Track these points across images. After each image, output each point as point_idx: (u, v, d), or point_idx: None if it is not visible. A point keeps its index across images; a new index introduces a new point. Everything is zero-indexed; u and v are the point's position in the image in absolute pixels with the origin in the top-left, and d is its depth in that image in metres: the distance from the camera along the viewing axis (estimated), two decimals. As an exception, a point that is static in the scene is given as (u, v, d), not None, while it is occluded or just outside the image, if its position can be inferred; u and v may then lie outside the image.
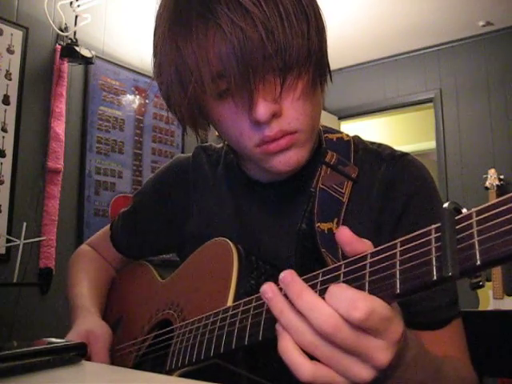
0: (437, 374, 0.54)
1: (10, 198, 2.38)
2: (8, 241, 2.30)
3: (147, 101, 3.09)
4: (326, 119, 4.01)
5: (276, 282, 0.47)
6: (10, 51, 2.44)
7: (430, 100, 3.95)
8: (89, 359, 0.75)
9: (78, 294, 0.91)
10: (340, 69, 4.26)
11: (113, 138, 2.88)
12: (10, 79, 2.43)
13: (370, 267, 0.43)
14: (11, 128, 2.42)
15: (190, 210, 0.86)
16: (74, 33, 2.67)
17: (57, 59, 2.59)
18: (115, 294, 0.99)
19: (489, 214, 0.36)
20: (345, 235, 0.45)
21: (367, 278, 0.43)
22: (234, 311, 0.57)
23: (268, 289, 0.46)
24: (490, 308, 3.16)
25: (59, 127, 2.56)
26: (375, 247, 0.45)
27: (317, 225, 0.70)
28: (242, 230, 0.79)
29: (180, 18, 0.61)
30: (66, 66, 2.63)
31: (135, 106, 3.04)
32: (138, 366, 0.79)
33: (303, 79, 0.63)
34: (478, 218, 0.36)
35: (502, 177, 3.41)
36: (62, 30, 2.65)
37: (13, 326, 2.27)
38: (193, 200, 0.86)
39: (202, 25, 0.59)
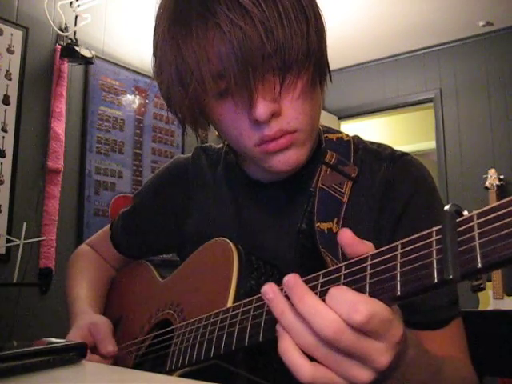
0: (437, 375, 0.54)
1: (10, 198, 2.38)
2: (8, 241, 2.30)
3: (147, 101, 3.09)
4: (326, 119, 4.01)
5: (276, 282, 0.47)
6: (10, 51, 2.44)
7: (429, 100, 3.95)
8: (94, 350, 0.75)
9: (77, 296, 0.91)
10: (340, 69, 4.26)
11: (113, 138, 2.88)
12: (10, 79, 2.43)
13: (370, 269, 0.43)
14: (11, 128, 2.42)
15: (189, 210, 0.86)
16: (74, 33, 2.67)
17: (57, 59, 2.59)
18: (115, 293, 0.99)
19: (490, 216, 0.36)
20: (346, 237, 0.45)
21: (368, 280, 0.43)
22: (234, 312, 0.57)
23: (269, 289, 0.46)
24: (490, 308, 3.16)
25: (59, 127, 2.56)
26: (375, 247, 0.45)
27: (317, 224, 0.70)
28: (241, 229, 0.79)
29: (180, 18, 0.61)
30: (65, 66, 2.63)
31: (135, 106, 3.04)
32: (138, 366, 0.79)
33: (303, 79, 0.63)
34: (479, 221, 0.36)
35: (502, 177, 3.41)
36: (62, 30, 2.65)
37: (13, 326, 2.27)
38: (192, 200, 0.87)
39: (202, 25, 0.59)
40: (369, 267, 0.43)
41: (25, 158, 2.46)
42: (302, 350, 0.43)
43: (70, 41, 2.64)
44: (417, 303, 0.66)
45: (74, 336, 0.76)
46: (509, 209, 0.35)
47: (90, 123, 2.76)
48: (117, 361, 0.80)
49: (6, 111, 2.41)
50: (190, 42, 0.60)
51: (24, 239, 2.30)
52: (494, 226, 0.35)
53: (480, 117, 3.67)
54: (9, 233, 2.33)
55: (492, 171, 3.42)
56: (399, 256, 0.41)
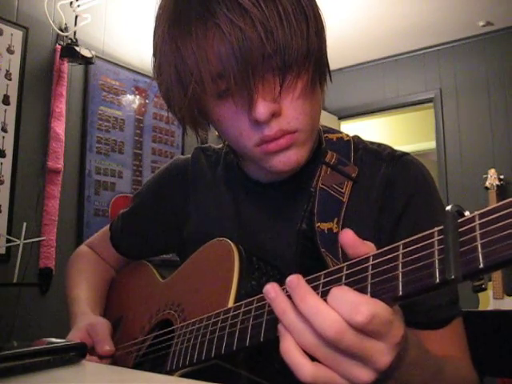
0: (437, 375, 0.54)
1: (10, 198, 2.38)
2: (8, 241, 2.30)
3: (147, 101, 3.09)
4: (326, 119, 4.01)
5: (277, 282, 0.47)
6: (10, 51, 2.44)
7: (429, 100, 3.95)
8: (93, 351, 0.75)
9: (76, 297, 0.91)
10: (340, 69, 4.26)
11: (113, 138, 2.88)
12: (10, 79, 2.43)
13: (372, 269, 0.43)
14: (11, 128, 2.42)
15: (189, 210, 0.86)
16: (74, 33, 2.67)
17: (57, 59, 2.59)
18: (115, 293, 0.99)
19: (492, 217, 0.36)
20: (348, 237, 0.45)
21: (369, 280, 0.43)
22: (236, 312, 0.57)
23: (271, 289, 0.46)
24: (490, 308, 3.16)
25: (59, 127, 2.56)
26: (376, 247, 0.45)
27: (317, 225, 0.70)
28: (241, 230, 0.79)
29: (179, 19, 0.61)
30: (65, 66, 2.62)
31: (135, 106, 3.04)
32: (139, 366, 0.79)
33: (302, 79, 0.63)
34: (480, 221, 0.36)
35: (502, 177, 3.41)
36: (62, 30, 2.65)
37: (13, 326, 2.27)
38: (192, 201, 0.86)
39: (202, 25, 0.59)
40: (370, 267, 0.43)
41: (25, 158, 2.46)
42: (304, 350, 0.43)
43: (69, 41, 2.64)
44: (417, 303, 0.66)
45: (73, 337, 0.76)
46: (510, 209, 0.35)
47: (90, 123, 2.76)
48: (117, 361, 0.80)
49: (5, 111, 2.40)
50: (189, 42, 0.60)
51: (24, 239, 2.30)
52: (495, 226, 0.35)
53: (480, 117, 3.67)
54: (9, 233, 2.33)
55: (492, 171, 3.42)
56: (401, 256, 0.41)
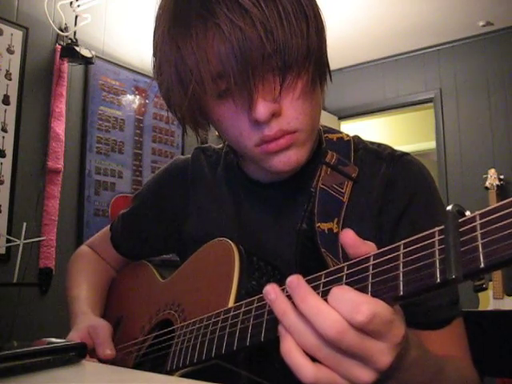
0: (438, 375, 0.54)
1: (10, 198, 2.38)
2: (8, 241, 2.30)
3: (147, 101, 3.09)
4: (326, 119, 4.01)
5: (277, 282, 0.47)
6: (10, 51, 2.44)
7: (429, 100, 3.95)
8: (93, 353, 0.75)
9: (76, 297, 0.91)
10: (340, 69, 4.26)
11: (113, 138, 2.88)
12: (10, 79, 2.43)
13: (372, 269, 0.43)
14: (11, 128, 2.42)
15: (189, 210, 0.86)
16: (74, 33, 2.67)
17: (57, 59, 2.59)
18: (115, 293, 0.99)
19: (492, 216, 0.36)
20: (349, 237, 0.45)
21: (370, 280, 0.43)
22: (236, 312, 0.57)
23: (271, 290, 0.46)
24: (490, 308, 3.16)
25: (59, 127, 2.56)
26: (376, 247, 0.45)
27: (317, 225, 0.70)
28: (242, 230, 0.79)
29: (179, 19, 0.61)
30: (65, 66, 2.63)
31: (135, 106, 3.04)
32: (139, 366, 0.79)
33: (303, 79, 0.63)
34: (481, 221, 0.37)
35: (502, 177, 3.41)
36: (62, 30, 2.65)
37: (13, 326, 2.27)
38: (192, 201, 0.86)
39: (202, 25, 0.59)
40: (371, 267, 0.43)
41: (25, 158, 2.46)
42: (304, 351, 0.43)
43: (69, 41, 2.64)
44: (418, 303, 0.66)
45: (74, 338, 0.76)
46: (511, 209, 0.35)
47: (90, 123, 2.76)
48: (117, 361, 0.80)
49: (6, 111, 2.40)
50: (189, 42, 0.60)
51: (24, 239, 2.30)
52: (496, 226, 0.35)
53: (480, 117, 3.67)
54: (9, 233, 2.33)
55: (492, 171, 3.42)
56: (401, 256, 0.41)
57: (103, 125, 2.83)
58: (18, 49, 2.46)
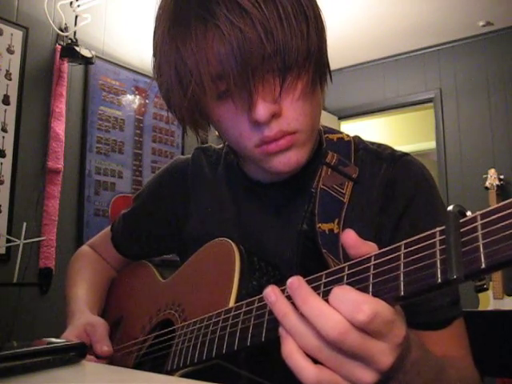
0: (439, 376, 0.54)
1: (10, 198, 2.38)
2: (8, 241, 2.30)
3: (147, 101, 3.09)
4: (326, 119, 4.01)
5: (278, 282, 0.47)
6: (10, 51, 2.44)
7: (430, 100, 3.95)
8: (89, 351, 0.75)
9: (74, 296, 0.91)
10: (340, 69, 4.26)
11: (113, 138, 2.88)
12: (10, 79, 2.43)
13: (373, 269, 0.43)
14: (11, 128, 2.42)
15: (189, 211, 0.86)
16: (74, 33, 2.67)
17: (57, 59, 2.59)
18: (116, 293, 0.99)
19: (493, 217, 0.36)
20: (350, 238, 0.45)
21: (371, 280, 0.43)
22: (237, 312, 0.57)
23: (271, 292, 0.46)
24: (490, 308, 3.16)
25: (59, 127, 2.56)
26: (378, 248, 0.45)
27: (318, 225, 0.70)
28: (242, 230, 0.78)
29: (179, 19, 0.61)
30: (65, 66, 2.62)
31: (135, 106, 3.04)
32: (139, 365, 0.79)
33: (303, 79, 0.62)
34: (482, 221, 0.37)
35: (502, 177, 3.41)
36: (62, 30, 2.65)
37: (13, 326, 2.27)
38: (193, 201, 0.86)
39: (201, 26, 0.59)
40: (372, 267, 0.43)
41: (25, 158, 2.46)
42: (306, 353, 0.43)
43: (70, 41, 2.64)
44: (418, 304, 0.66)
45: (70, 335, 0.76)
46: None
47: (90, 123, 2.76)
48: (117, 360, 0.80)
49: (5, 111, 2.40)
50: (189, 43, 0.60)
51: (24, 239, 2.30)
52: (497, 226, 0.35)
53: (480, 117, 3.67)
54: (9, 233, 2.33)
55: (492, 171, 3.42)
56: (402, 256, 0.41)
57: (103, 125, 2.83)
58: (18, 49, 2.46)
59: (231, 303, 0.62)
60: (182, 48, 0.60)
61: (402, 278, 0.41)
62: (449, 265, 0.37)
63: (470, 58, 3.77)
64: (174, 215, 0.89)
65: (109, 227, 1.01)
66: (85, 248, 1.05)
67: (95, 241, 1.05)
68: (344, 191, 0.73)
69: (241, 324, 0.55)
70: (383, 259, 0.43)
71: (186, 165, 0.90)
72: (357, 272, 0.44)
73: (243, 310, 0.56)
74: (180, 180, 0.89)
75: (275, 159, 0.66)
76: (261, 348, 0.55)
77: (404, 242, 0.42)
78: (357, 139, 0.80)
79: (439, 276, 0.38)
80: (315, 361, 0.43)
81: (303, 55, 0.60)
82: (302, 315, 0.43)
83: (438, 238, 0.40)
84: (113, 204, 2.83)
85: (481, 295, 3.21)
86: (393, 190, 0.72)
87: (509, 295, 3.16)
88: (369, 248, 0.45)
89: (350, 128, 4.44)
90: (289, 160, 0.66)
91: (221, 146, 0.90)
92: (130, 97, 3.00)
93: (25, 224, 2.31)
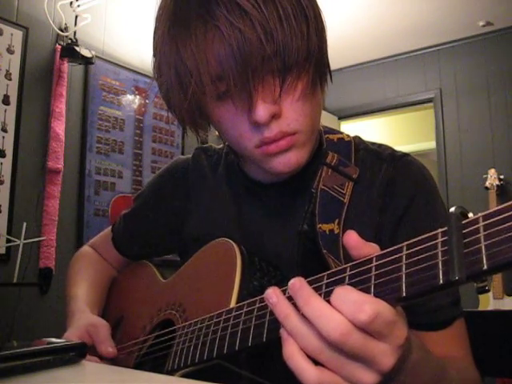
0: (440, 377, 0.54)
1: (10, 198, 2.38)
2: (8, 241, 2.30)
3: (147, 101, 3.09)
4: (326, 119, 4.01)
5: (279, 283, 0.47)
6: (10, 51, 2.44)
7: (429, 100, 3.95)
8: (93, 351, 0.75)
9: (74, 296, 0.91)
10: (340, 69, 4.26)
11: (113, 138, 2.88)
12: (10, 79, 2.43)
13: (375, 270, 0.43)
14: (11, 128, 2.42)
15: (190, 211, 0.86)
16: (74, 33, 2.67)
17: (57, 59, 2.59)
18: (116, 293, 0.99)
19: (496, 218, 0.36)
20: (352, 239, 0.45)
21: (373, 281, 0.43)
22: (238, 312, 0.57)
23: (272, 293, 0.46)
24: (490, 308, 3.16)
25: (59, 127, 2.56)
26: (380, 249, 0.45)
27: (318, 226, 0.70)
28: (243, 230, 0.78)
29: (179, 20, 0.61)
30: (65, 66, 2.62)
31: (135, 106, 3.04)
32: (140, 365, 0.79)
33: (303, 80, 0.62)
34: (484, 223, 0.37)
35: (502, 177, 3.41)
36: (62, 30, 2.65)
37: (13, 326, 2.27)
38: (193, 201, 0.86)
39: (201, 27, 0.59)
40: (374, 268, 0.43)
41: (25, 158, 2.46)
42: (307, 354, 0.43)
43: (70, 41, 2.64)
44: (419, 304, 0.66)
45: (71, 336, 0.76)
46: None
47: (90, 123, 2.76)
48: (118, 360, 0.80)
49: (5, 111, 2.40)
50: (189, 44, 0.60)
51: (24, 239, 2.30)
52: (499, 227, 0.35)
53: (480, 117, 3.67)
54: (9, 233, 2.33)
55: (492, 171, 3.42)
56: (404, 257, 0.41)
57: (103, 125, 2.83)
58: (18, 49, 2.46)
59: (232, 303, 0.62)
60: (182, 49, 0.60)
61: (403, 279, 0.41)
62: (451, 266, 0.37)
63: (470, 58, 3.77)
64: (174, 215, 0.89)
65: (110, 228, 1.01)
66: (85, 248, 1.05)
67: (96, 241, 1.05)
68: (344, 191, 0.72)
69: (242, 324, 0.55)
70: (385, 260, 0.43)
71: (187, 165, 0.90)
72: (359, 273, 0.44)
73: (244, 310, 0.56)
74: (180, 180, 0.89)
75: (275, 160, 0.66)
76: (262, 348, 0.55)
77: (406, 243, 0.42)
78: (357, 139, 0.80)
79: (441, 277, 0.38)
80: (316, 362, 0.43)
81: (303, 56, 0.60)
82: (303, 316, 0.43)
83: (439, 239, 0.40)
84: (113, 204, 2.83)
85: (481, 295, 3.21)
86: (393, 191, 0.72)
87: (509, 295, 3.16)
88: (371, 249, 0.45)
89: (350, 128, 4.44)
90: (289, 160, 0.66)
91: (221, 146, 0.90)
92: (129, 97, 3.00)
93: (25, 224, 2.31)
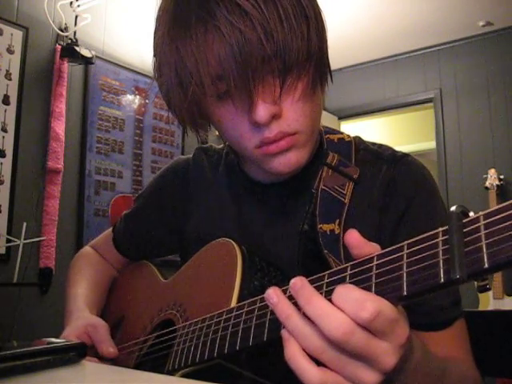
0: (441, 378, 0.54)
1: (10, 198, 2.38)
2: (8, 241, 2.30)
3: (147, 101, 3.09)
4: (326, 119, 4.01)
5: (279, 283, 0.47)
6: (10, 51, 2.44)
7: (429, 100, 3.95)
8: (92, 352, 0.75)
9: (73, 295, 0.91)
10: (340, 69, 4.26)
11: (113, 138, 2.88)
12: (10, 79, 2.43)
13: (376, 269, 0.43)
14: (11, 128, 2.42)
15: (190, 210, 0.86)
16: (74, 33, 2.67)
17: (57, 59, 2.59)
18: (117, 293, 0.99)
19: (496, 217, 0.36)
20: (353, 238, 0.45)
21: (374, 280, 0.43)
22: (239, 312, 0.57)
23: (273, 294, 0.46)
24: (490, 308, 3.16)
25: (59, 127, 2.56)
26: (381, 249, 0.45)
27: (319, 226, 0.70)
28: (243, 230, 0.79)
29: (179, 21, 0.61)
30: (65, 66, 2.62)
31: (135, 106, 3.04)
32: (140, 365, 0.79)
33: (303, 80, 0.62)
34: (485, 222, 0.37)
35: (502, 177, 3.41)
36: (62, 30, 2.65)
37: (13, 326, 2.27)
38: (194, 201, 0.87)
39: (202, 27, 0.59)
40: (375, 267, 0.43)
41: (25, 158, 2.46)
42: (309, 354, 0.43)
43: (70, 41, 2.64)
44: (419, 304, 0.66)
45: (70, 335, 0.76)
46: None
47: (90, 123, 2.76)
48: (118, 360, 0.80)
49: (6, 111, 2.40)
50: (189, 44, 0.60)
51: (24, 239, 2.30)
52: (500, 226, 0.35)
53: (480, 117, 3.67)
54: (9, 233, 2.33)
55: (492, 171, 3.42)
56: (405, 256, 0.41)
57: (103, 125, 2.83)
58: (18, 49, 2.46)
59: (233, 303, 0.62)
60: (183, 49, 0.60)
61: (404, 278, 0.41)
62: (452, 265, 0.37)
63: (470, 58, 3.77)
64: (174, 215, 0.89)
65: (110, 228, 1.02)
66: (86, 249, 1.05)
67: (97, 242, 1.05)
68: (345, 192, 0.72)
69: (243, 324, 0.55)
70: (386, 259, 0.43)
71: (187, 165, 0.90)
72: (359, 272, 0.44)
73: (245, 309, 0.56)
74: (181, 180, 0.89)
75: (275, 160, 0.66)
76: (262, 348, 0.55)
77: (407, 242, 0.42)
78: (357, 140, 0.80)
79: (442, 276, 0.38)
80: (317, 362, 0.43)
81: (304, 56, 0.60)
82: (304, 316, 0.43)
83: (440, 238, 0.40)
84: (113, 204, 2.83)
85: (481, 295, 3.21)
86: (393, 191, 0.72)
87: (509, 295, 3.16)
88: (372, 248, 0.45)
89: (350, 128, 4.44)
90: (289, 161, 0.66)
91: (221, 146, 0.90)
92: (129, 97, 3.00)
93: (25, 224, 2.31)
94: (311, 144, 0.69)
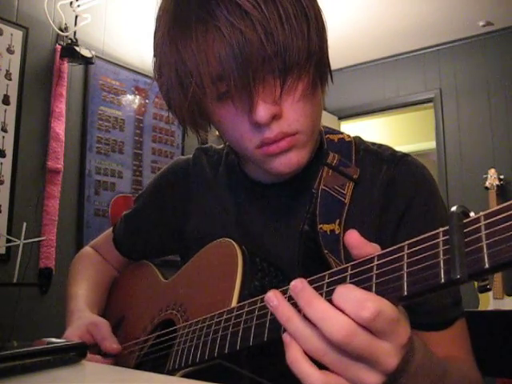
0: (442, 378, 0.54)
1: (10, 198, 2.38)
2: (8, 241, 2.30)
3: (147, 101, 3.09)
4: (326, 119, 4.01)
5: (280, 283, 0.47)
6: (10, 51, 2.44)
7: (429, 100, 3.95)
8: (95, 350, 0.75)
9: (74, 295, 0.91)
10: (340, 69, 4.26)
11: (113, 138, 2.88)
12: (10, 79, 2.43)
13: (376, 269, 0.43)
14: (11, 128, 2.42)
15: (190, 210, 0.86)
16: (74, 33, 2.67)
17: (57, 59, 2.59)
18: (117, 293, 0.99)
19: (497, 217, 0.36)
20: (353, 238, 0.45)
21: (374, 280, 0.43)
22: (239, 312, 0.57)
23: (273, 297, 0.46)
24: (490, 308, 3.16)
25: (59, 127, 2.56)
26: (381, 249, 0.45)
27: (319, 226, 0.70)
28: (243, 230, 0.78)
29: (180, 21, 0.61)
30: (65, 66, 2.62)
31: (135, 106, 3.03)
32: (140, 365, 0.79)
33: (303, 80, 0.62)
34: (485, 222, 0.37)
35: (502, 177, 3.41)
36: (62, 30, 2.65)
37: (13, 326, 2.27)
38: (194, 201, 0.86)
39: (202, 27, 0.59)
40: (375, 267, 0.43)
41: (25, 158, 2.46)
42: (310, 357, 0.43)
43: (70, 41, 2.64)
44: (420, 304, 0.66)
45: (72, 335, 0.76)
46: None
47: (90, 123, 2.76)
48: (119, 360, 0.80)
49: (6, 111, 2.40)
50: (189, 44, 0.60)
51: (24, 239, 2.30)
52: (501, 226, 0.35)
53: (480, 117, 3.67)
54: (9, 233, 2.33)
55: (492, 171, 3.42)
56: (406, 256, 0.41)
57: (103, 125, 2.83)
58: (18, 49, 2.46)
59: (233, 303, 0.62)
60: (183, 49, 0.60)
61: (405, 278, 0.41)
62: (452, 265, 0.37)
63: (470, 58, 3.77)
64: (175, 215, 0.89)
65: (111, 229, 1.02)
66: (87, 249, 1.05)
67: (97, 242, 1.05)
68: (345, 192, 0.72)
69: (243, 324, 0.55)
70: (386, 259, 0.43)
71: (187, 165, 0.90)
72: (360, 272, 0.44)
73: (245, 310, 0.56)
74: (181, 180, 0.89)
75: (276, 160, 0.66)
76: (263, 348, 0.55)
77: (407, 242, 0.42)
78: (357, 140, 0.80)
79: (442, 276, 0.38)
80: (319, 364, 0.43)
81: (304, 56, 0.60)
82: (305, 318, 0.43)
83: (441, 238, 0.40)
84: (113, 204, 2.83)
85: (481, 295, 3.21)
86: (393, 191, 0.72)
87: (509, 295, 3.16)
88: (372, 249, 0.45)
89: (350, 128, 4.44)
90: (289, 161, 0.66)
91: (221, 146, 0.90)
92: (129, 97, 3.00)
93: (25, 224, 2.31)
94: (312, 144, 0.69)
